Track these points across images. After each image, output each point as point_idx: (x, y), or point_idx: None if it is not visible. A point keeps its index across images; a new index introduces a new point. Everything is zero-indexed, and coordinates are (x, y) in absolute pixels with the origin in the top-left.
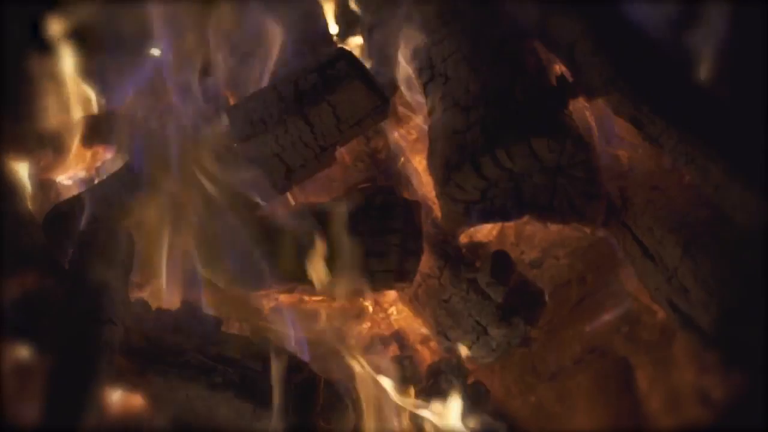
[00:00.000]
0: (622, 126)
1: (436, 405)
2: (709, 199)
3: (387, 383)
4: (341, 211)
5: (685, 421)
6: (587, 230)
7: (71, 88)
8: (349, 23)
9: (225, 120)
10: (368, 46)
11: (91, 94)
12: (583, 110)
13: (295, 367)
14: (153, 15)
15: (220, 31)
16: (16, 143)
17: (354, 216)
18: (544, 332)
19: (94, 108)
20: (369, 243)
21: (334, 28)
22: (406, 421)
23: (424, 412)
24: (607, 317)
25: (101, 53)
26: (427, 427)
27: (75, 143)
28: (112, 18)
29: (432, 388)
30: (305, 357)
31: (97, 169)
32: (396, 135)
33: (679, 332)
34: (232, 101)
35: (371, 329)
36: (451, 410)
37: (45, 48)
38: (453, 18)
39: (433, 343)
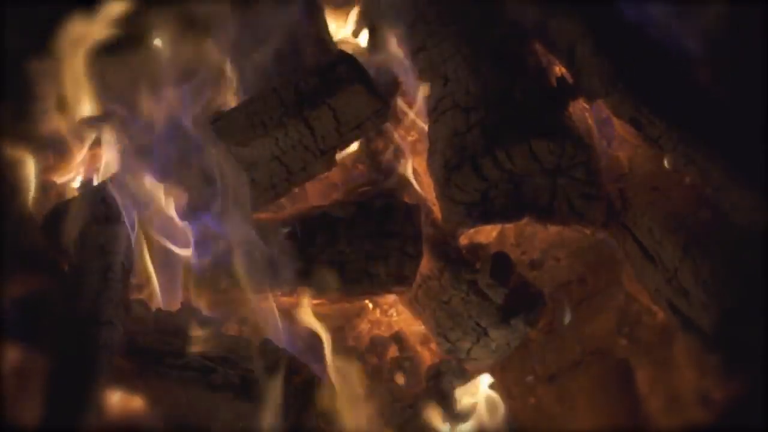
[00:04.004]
0: (622, 127)
1: (436, 406)
2: (709, 200)
3: (387, 384)
4: (341, 215)
5: (685, 422)
6: (587, 231)
7: (72, 89)
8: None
9: (225, 122)
10: (369, 49)
11: (92, 95)
12: (583, 112)
13: (294, 368)
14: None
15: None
16: (17, 144)
17: (354, 219)
18: (544, 333)
19: (95, 109)
20: (369, 246)
21: (334, 30)
22: (405, 422)
23: (424, 413)
24: (606, 318)
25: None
26: (427, 428)
27: (75, 144)
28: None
29: (432, 389)
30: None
31: (97, 170)
32: (396, 136)
33: (679, 333)
34: (232, 103)
35: (371, 330)
36: (451, 411)
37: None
38: (453, 19)
39: (433, 345)
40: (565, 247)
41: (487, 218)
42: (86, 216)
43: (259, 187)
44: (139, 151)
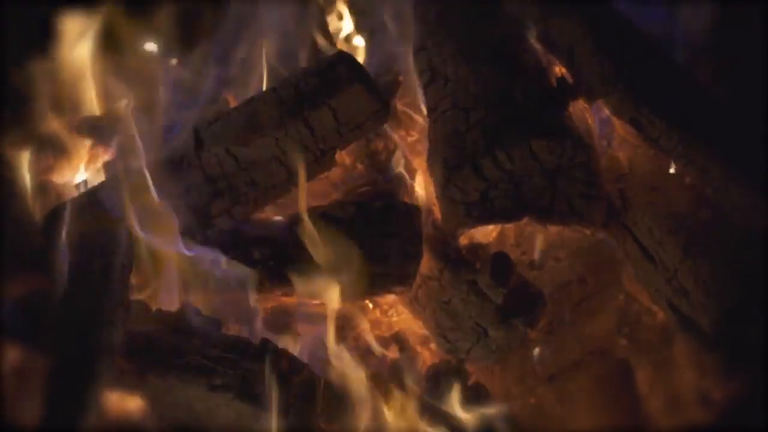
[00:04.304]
0: (622, 127)
1: (436, 406)
2: (709, 201)
3: (386, 384)
4: (341, 215)
5: (685, 422)
6: (587, 232)
7: (71, 89)
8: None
9: (225, 122)
10: (369, 49)
11: (92, 94)
12: (583, 112)
13: (295, 368)
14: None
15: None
16: (16, 145)
17: (354, 219)
18: (544, 333)
19: (95, 109)
20: (368, 247)
21: (334, 31)
22: (405, 423)
23: (424, 414)
24: (606, 318)
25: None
26: (427, 428)
27: (75, 145)
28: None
29: (432, 389)
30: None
31: (97, 171)
32: (396, 136)
33: (679, 333)
34: (233, 104)
35: (371, 330)
36: (451, 411)
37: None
38: (453, 19)
39: (433, 345)
40: (565, 247)
41: (487, 218)
42: (86, 216)
43: (259, 188)
44: (139, 150)
